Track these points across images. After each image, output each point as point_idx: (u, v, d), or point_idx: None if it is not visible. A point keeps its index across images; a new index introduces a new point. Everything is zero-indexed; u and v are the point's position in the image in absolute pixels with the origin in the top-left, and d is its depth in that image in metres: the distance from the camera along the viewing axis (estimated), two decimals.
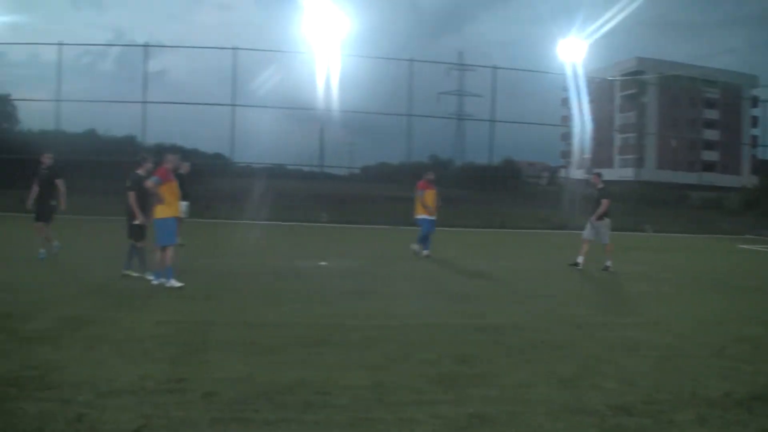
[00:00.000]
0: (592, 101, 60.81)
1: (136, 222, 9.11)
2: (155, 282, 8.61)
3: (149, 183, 8.56)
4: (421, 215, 13.05)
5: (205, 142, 35.64)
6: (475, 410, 4.16)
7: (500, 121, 25.74)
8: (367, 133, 25.47)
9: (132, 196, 9.06)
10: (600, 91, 59.54)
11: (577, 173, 32.95)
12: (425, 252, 12.97)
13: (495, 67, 25.64)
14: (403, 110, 24.77)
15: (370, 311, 7.46)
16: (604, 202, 12.12)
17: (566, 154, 43.26)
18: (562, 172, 43.53)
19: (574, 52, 26.29)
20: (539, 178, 51.18)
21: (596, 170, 13.90)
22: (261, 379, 4.72)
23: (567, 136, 42.81)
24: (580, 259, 12.17)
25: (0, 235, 15.28)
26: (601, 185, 12.55)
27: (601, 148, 66.39)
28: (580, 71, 28.07)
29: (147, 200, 9.08)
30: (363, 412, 4.10)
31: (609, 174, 58.28)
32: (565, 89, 27.64)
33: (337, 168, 29.33)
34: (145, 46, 24.09)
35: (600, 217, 12.20)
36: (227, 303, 7.65)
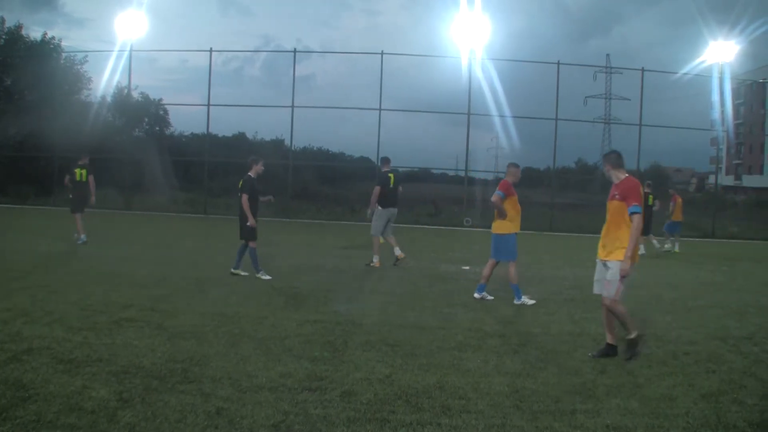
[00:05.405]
0: (742, 104, 55.12)
1: (249, 224, 9.21)
2: (517, 302, 8.02)
3: (494, 197, 8.04)
4: None
5: (351, 146, 36.70)
6: (613, 421, 4.04)
7: (648, 125, 24.24)
8: (513, 136, 24.76)
9: (244, 198, 9.22)
10: (752, 94, 53.74)
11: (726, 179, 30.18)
12: None
13: (644, 70, 24.07)
14: (549, 114, 23.89)
15: (511, 317, 7.26)
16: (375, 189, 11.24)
17: (715, 160, 40.21)
18: (711, 179, 40.87)
19: (725, 54, 24.44)
20: (687, 185, 47.70)
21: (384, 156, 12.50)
22: (400, 380, 4.70)
23: (716, 141, 39.63)
24: (375, 259, 11.19)
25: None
26: (386, 169, 11.66)
27: (752, 153, 59.64)
28: (731, 73, 26.29)
29: (257, 202, 9.37)
30: (500, 419, 4.03)
31: (761, 180, 52.30)
32: (715, 92, 25.35)
33: (482, 172, 28.84)
34: (294, 51, 24.98)
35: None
36: (370, 305, 7.64)
